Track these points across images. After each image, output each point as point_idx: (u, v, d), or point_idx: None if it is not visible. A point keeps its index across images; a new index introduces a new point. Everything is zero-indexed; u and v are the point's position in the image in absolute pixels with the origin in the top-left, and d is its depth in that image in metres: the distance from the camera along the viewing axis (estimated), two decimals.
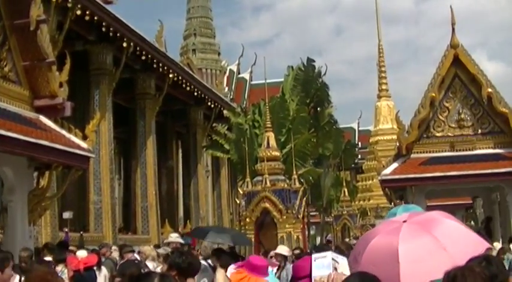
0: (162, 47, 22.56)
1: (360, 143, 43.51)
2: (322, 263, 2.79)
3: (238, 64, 41.72)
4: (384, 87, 29.14)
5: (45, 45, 9.51)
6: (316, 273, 2.78)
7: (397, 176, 13.27)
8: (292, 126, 19.54)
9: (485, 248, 2.23)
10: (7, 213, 9.50)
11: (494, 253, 4.86)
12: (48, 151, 8.91)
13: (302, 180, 17.01)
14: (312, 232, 32.24)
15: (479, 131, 13.92)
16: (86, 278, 7.23)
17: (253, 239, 11.33)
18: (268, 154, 12.31)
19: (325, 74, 26.12)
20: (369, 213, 25.87)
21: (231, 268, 5.20)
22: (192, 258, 4.20)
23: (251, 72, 41.70)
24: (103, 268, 8.33)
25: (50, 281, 3.10)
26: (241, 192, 12.23)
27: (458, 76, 13.98)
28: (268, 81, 17.22)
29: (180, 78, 23.57)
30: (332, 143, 24.88)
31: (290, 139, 16.85)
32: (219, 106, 28.47)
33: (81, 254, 7.67)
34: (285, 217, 11.21)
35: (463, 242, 2.23)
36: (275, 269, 7.21)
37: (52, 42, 11.04)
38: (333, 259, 2.81)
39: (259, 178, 11.98)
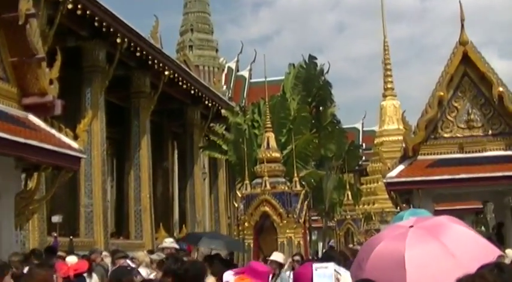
0: (157, 43, 22.55)
1: (364, 144, 43.50)
2: (324, 273, 2.80)
3: (237, 61, 41.75)
4: (389, 85, 29.10)
5: (35, 41, 9.49)
6: None
7: (403, 179, 13.24)
8: (293, 127, 19.54)
9: (497, 255, 2.21)
10: None
11: (507, 261, 4.83)
12: (37, 151, 8.88)
13: (303, 182, 16.98)
14: (313, 237, 32.28)
15: (490, 131, 13.89)
16: None
17: (252, 245, 11.31)
18: (268, 155, 12.28)
19: (327, 71, 26.18)
20: (373, 218, 25.82)
21: (229, 275, 5.17)
22: (190, 265, 4.19)
23: (250, 69, 41.73)
24: (94, 275, 8.31)
25: None
26: (239, 195, 12.20)
27: (468, 74, 13.96)
28: (268, 79, 17.20)
29: (176, 75, 23.56)
30: (335, 144, 24.88)
31: (291, 140, 16.84)
32: (217, 105, 28.46)
33: (71, 260, 7.64)
34: (285, 221, 11.18)
35: (473, 249, 2.21)
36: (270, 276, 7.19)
37: (42, 38, 11.02)
38: (335, 270, 2.82)
39: (259, 180, 11.95)
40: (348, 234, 22.94)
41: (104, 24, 18.01)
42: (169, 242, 10.55)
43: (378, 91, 34.28)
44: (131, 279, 5.31)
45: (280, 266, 7.85)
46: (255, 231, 11.48)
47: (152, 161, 23.36)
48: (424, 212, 2.96)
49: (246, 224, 11.41)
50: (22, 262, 7.08)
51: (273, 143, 12.70)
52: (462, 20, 13.98)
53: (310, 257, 12.20)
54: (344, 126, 29.37)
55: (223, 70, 39.76)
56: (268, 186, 11.47)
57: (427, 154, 13.89)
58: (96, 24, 17.68)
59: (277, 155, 12.75)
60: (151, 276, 7.51)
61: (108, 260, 9.88)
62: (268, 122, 13.25)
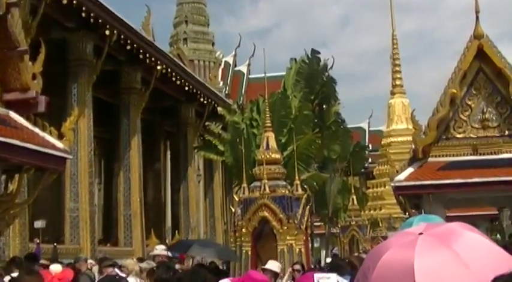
0: (149, 35, 22.57)
1: (370, 145, 43.56)
2: None
3: (235, 56, 41.73)
4: (398, 82, 29.18)
5: (17, 32, 9.48)
6: None
7: (412, 183, 13.24)
8: (295, 126, 19.54)
9: None
10: None
11: None
12: (18, 151, 8.87)
13: (305, 186, 16.98)
14: (316, 245, 32.31)
15: (506, 132, 13.90)
16: None
17: (249, 252, 11.31)
18: (268, 157, 12.28)
19: (331, 67, 26.17)
20: (380, 224, 25.87)
21: None
22: (183, 274, 4.18)
23: (249, 64, 41.72)
24: None
25: None
26: (236, 199, 12.20)
27: (483, 70, 13.97)
28: (268, 75, 17.19)
29: (169, 70, 23.57)
30: (339, 145, 24.90)
31: (292, 140, 16.85)
32: (213, 102, 28.48)
33: (55, 268, 7.64)
34: (285, 228, 11.18)
35: (487, 258, 2.20)
36: None
37: (25, 29, 11.01)
38: None
39: (257, 183, 11.95)
40: (353, 241, 22.96)
41: (92, 14, 18.00)
42: (160, 249, 10.53)
43: (385, 88, 34.40)
44: None
45: (276, 275, 7.84)
46: (253, 238, 11.47)
47: (143, 162, 23.37)
48: (435, 218, 2.94)
49: (244, 230, 11.40)
50: (5, 269, 7.06)
51: (272, 144, 12.70)
52: (477, 12, 13.99)
53: (312, 266, 12.20)
54: (349, 126, 29.40)
55: (219, 65, 39.74)
56: (267, 190, 11.46)
57: (438, 156, 13.90)
58: (83, 14, 17.67)
59: (277, 156, 12.75)
60: None
61: (95, 269, 9.87)
62: (268, 121, 13.25)
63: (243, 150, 14.85)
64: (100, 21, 18.46)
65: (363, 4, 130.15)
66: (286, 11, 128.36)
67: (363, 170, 33.24)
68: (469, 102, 14.10)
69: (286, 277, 8.52)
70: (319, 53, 25.08)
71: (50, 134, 9.86)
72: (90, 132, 19.64)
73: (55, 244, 16.53)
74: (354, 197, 24.36)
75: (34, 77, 9.84)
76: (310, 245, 14.68)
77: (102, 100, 22.54)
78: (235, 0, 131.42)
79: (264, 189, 11.45)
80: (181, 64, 26.40)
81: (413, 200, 14.05)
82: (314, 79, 24.47)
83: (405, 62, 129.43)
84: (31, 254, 11.61)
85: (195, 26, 41.37)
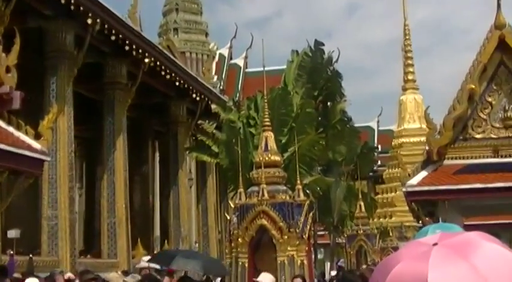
0: (136, 25, 22.55)
1: (379, 146, 43.60)
2: None
3: (230, 47, 41.77)
4: (410, 77, 29.25)
5: None
6: None
7: (426, 188, 13.26)
8: (296, 125, 19.55)
9: None
10: None
11: None
12: None
13: (308, 191, 16.98)
14: (319, 256, 32.33)
15: None
16: None
17: (246, 264, 11.32)
18: (266, 159, 12.27)
19: (337, 60, 26.15)
20: (390, 234, 25.89)
21: None
22: None
23: (246, 57, 41.76)
24: None
25: None
26: (232, 205, 12.19)
27: (504, 64, 13.99)
28: (266, 68, 17.14)
29: (158, 64, 23.57)
30: (345, 146, 24.92)
31: (293, 140, 16.86)
32: (206, 99, 28.49)
33: None
34: (286, 237, 11.17)
35: (509, 272, 2.19)
36: None
37: None
38: None
39: (255, 188, 11.94)
40: (360, 252, 22.96)
41: (72, 1, 17.97)
42: (147, 261, 10.53)
43: (396, 83, 34.39)
44: None
45: None
46: (250, 248, 11.47)
47: (129, 165, 23.35)
48: (453, 226, 2.93)
49: (240, 239, 11.39)
50: None
51: (272, 144, 12.69)
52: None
53: (315, 280, 12.21)
54: (356, 125, 29.42)
55: (213, 58, 39.77)
56: (266, 195, 11.46)
57: (455, 158, 13.91)
58: (62, 1, 17.63)
59: (277, 158, 12.74)
60: None
61: None
62: (267, 120, 13.23)
63: (239, 152, 14.85)
64: (81, 8, 18.43)
65: None
66: None
67: (371, 174, 33.33)
68: (489, 99, 14.11)
69: None
70: (323, 44, 25.09)
71: (26, 133, 9.85)
72: (71, 132, 19.61)
73: (31, 256, 16.47)
74: (362, 204, 24.36)
75: (8, 70, 9.82)
76: (313, 257, 14.68)
77: (83, 96, 22.53)
78: None
79: (263, 194, 11.44)
80: (172, 57, 26.39)
81: (427, 207, 14.07)
82: (318, 73, 24.48)
83: (418, 55, 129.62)
84: (2, 267, 11.50)
85: (187, 14, 41.38)
